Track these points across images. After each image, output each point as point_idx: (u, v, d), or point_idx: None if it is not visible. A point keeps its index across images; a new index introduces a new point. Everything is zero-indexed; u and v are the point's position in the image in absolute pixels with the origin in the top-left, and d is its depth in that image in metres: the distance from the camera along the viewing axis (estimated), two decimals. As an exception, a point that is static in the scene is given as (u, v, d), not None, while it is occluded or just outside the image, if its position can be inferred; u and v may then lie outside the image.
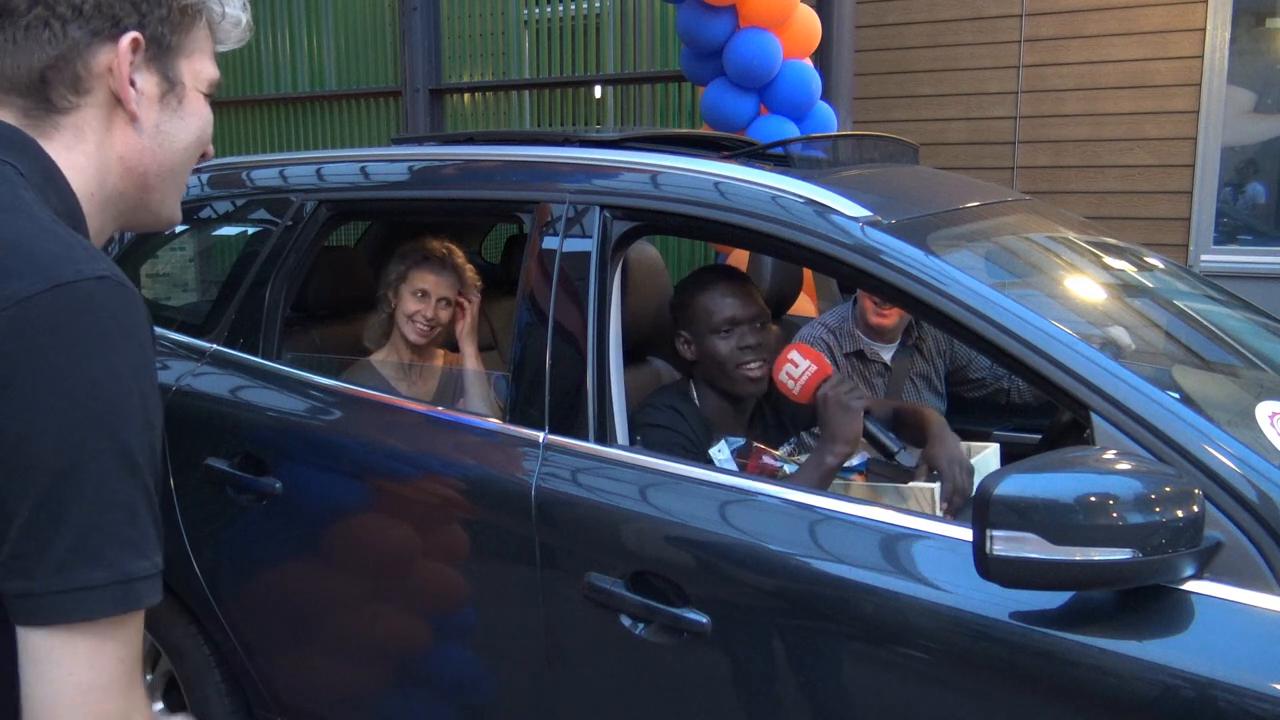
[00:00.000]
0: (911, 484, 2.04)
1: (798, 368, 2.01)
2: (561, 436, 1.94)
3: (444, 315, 2.64)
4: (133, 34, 0.94)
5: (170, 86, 0.99)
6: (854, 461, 2.37)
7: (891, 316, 2.85)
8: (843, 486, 2.09)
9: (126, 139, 0.97)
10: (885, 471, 2.31)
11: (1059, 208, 2.61)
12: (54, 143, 0.95)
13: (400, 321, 2.62)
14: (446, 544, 2.05)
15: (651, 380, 2.46)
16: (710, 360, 2.19)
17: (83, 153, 0.96)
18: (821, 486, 1.91)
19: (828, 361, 2.04)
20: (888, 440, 1.98)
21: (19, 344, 0.80)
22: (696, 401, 2.22)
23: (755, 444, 2.14)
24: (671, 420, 2.13)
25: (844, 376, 2.04)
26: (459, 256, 2.70)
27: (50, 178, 0.93)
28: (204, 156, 1.06)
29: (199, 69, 1.01)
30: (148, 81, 0.97)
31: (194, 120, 1.01)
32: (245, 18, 1.05)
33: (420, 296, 2.61)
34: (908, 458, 1.95)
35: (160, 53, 0.97)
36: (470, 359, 2.63)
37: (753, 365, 2.16)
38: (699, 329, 2.20)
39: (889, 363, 2.93)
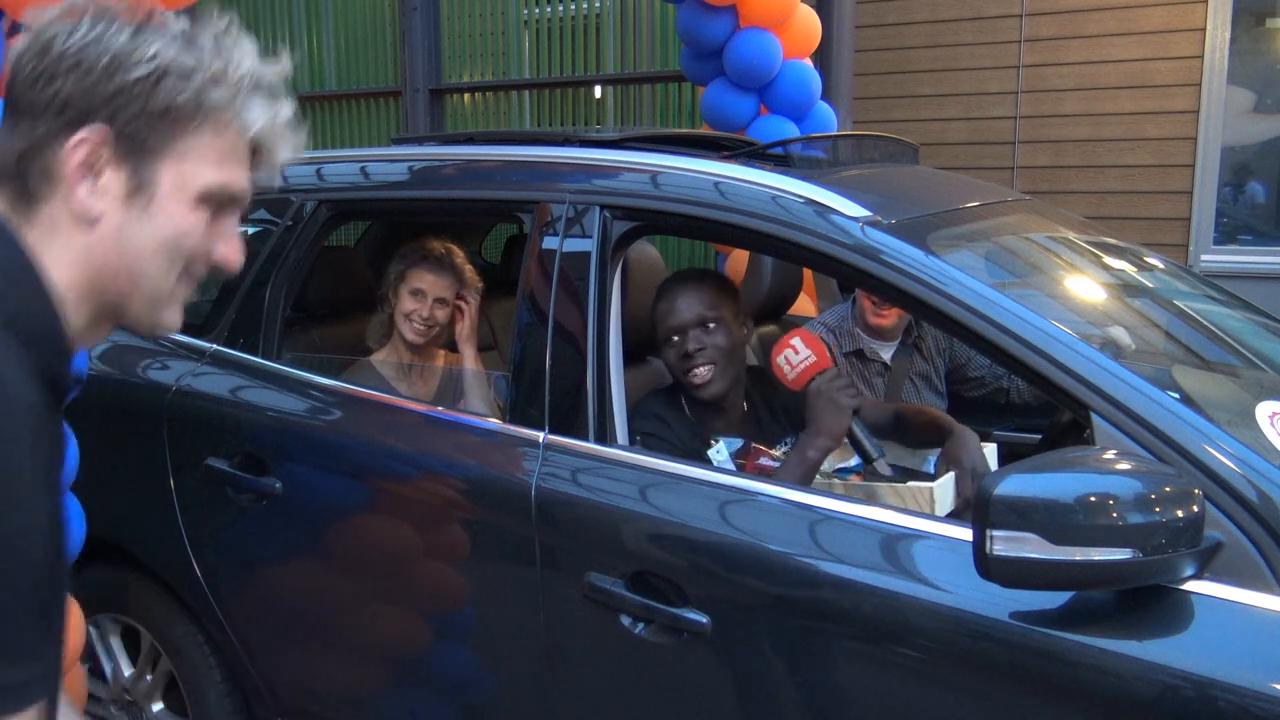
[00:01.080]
0: (910, 483, 2.04)
1: (797, 354, 1.99)
2: (561, 436, 1.94)
3: (440, 315, 2.63)
4: (83, 133, 0.91)
5: (139, 187, 0.94)
6: (851, 462, 2.37)
7: (890, 317, 2.85)
8: (840, 486, 2.09)
9: (90, 235, 0.94)
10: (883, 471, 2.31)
11: (1059, 208, 2.61)
12: (35, 230, 0.93)
13: (398, 321, 2.62)
14: (446, 544, 2.05)
15: (651, 380, 2.45)
16: (669, 369, 2.21)
17: (60, 244, 0.93)
18: (804, 481, 1.92)
19: (829, 355, 2.02)
20: (869, 446, 1.97)
21: None
22: (685, 405, 2.22)
23: (753, 444, 2.13)
24: (657, 428, 2.13)
25: (840, 373, 2.01)
26: (458, 256, 2.70)
27: (8, 269, 0.90)
28: (189, 272, 0.99)
29: (189, 174, 0.95)
30: (114, 179, 0.93)
31: (161, 227, 0.95)
32: (282, 119, 0.99)
33: (416, 295, 2.60)
34: (887, 466, 1.95)
35: (134, 150, 0.93)
36: (470, 361, 2.63)
37: (697, 370, 2.14)
38: (657, 341, 2.22)
39: (889, 362, 2.93)
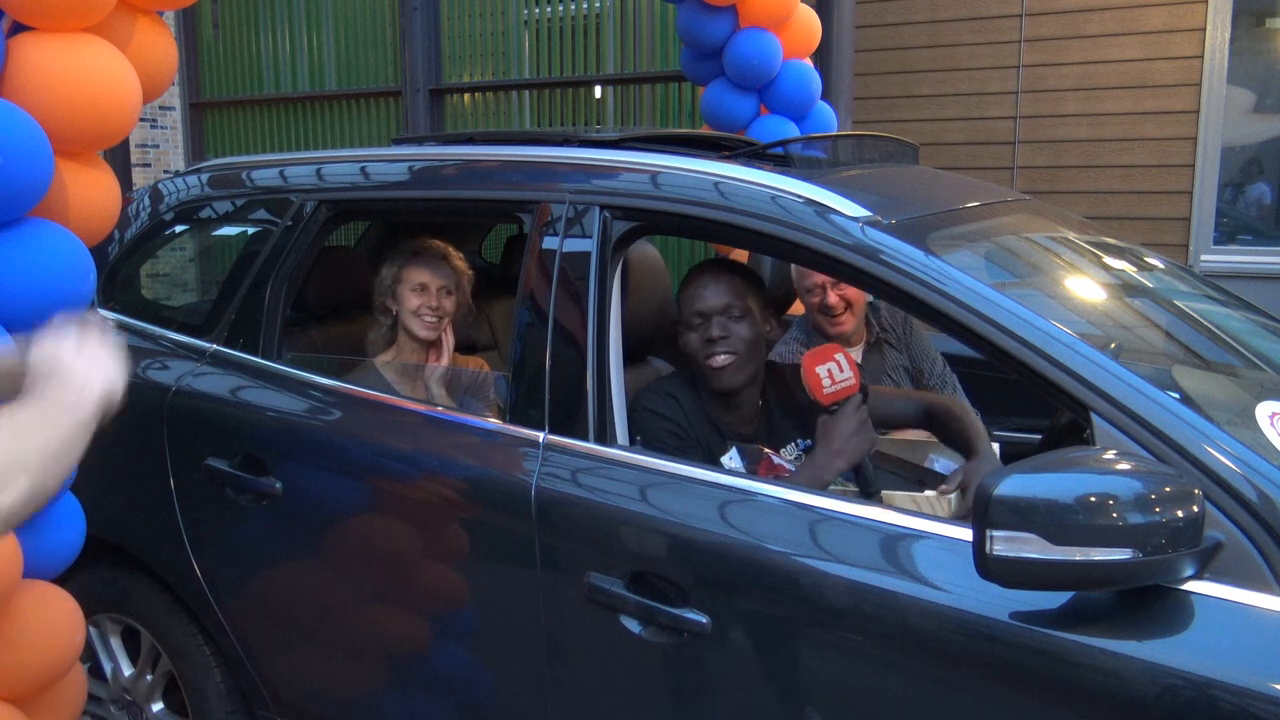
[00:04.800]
0: (926, 493, 2.03)
1: (841, 371, 1.96)
2: (561, 436, 1.93)
3: (448, 304, 2.62)
4: None
5: None
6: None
7: (846, 323, 2.82)
8: (854, 491, 2.08)
9: None
10: (891, 468, 2.31)
11: (1059, 208, 2.61)
12: None
13: (407, 321, 2.59)
14: (446, 544, 2.05)
15: (651, 380, 2.45)
16: (687, 353, 2.18)
17: None
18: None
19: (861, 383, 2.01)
20: (872, 478, 1.99)
21: None
22: (700, 393, 2.19)
23: (766, 451, 2.13)
24: (667, 407, 2.12)
25: (864, 404, 2.00)
26: (452, 251, 2.70)
27: None
28: None
29: None
30: None
31: None
32: None
33: (421, 291, 2.59)
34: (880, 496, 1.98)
35: None
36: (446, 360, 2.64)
37: (716, 356, 2.11)
38: (681, 321, 2.19)
39: (859, 363, 2.93)
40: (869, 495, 1.98)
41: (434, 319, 2.59)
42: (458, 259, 2.69)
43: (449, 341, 2.64)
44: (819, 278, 2.74)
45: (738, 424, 2.19)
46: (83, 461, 1.95)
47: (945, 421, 2.43)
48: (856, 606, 1.61)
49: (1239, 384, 1.94)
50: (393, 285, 2.61)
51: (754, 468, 2.10)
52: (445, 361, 2.62)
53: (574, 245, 2.01)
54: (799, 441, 2.27)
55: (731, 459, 2.09)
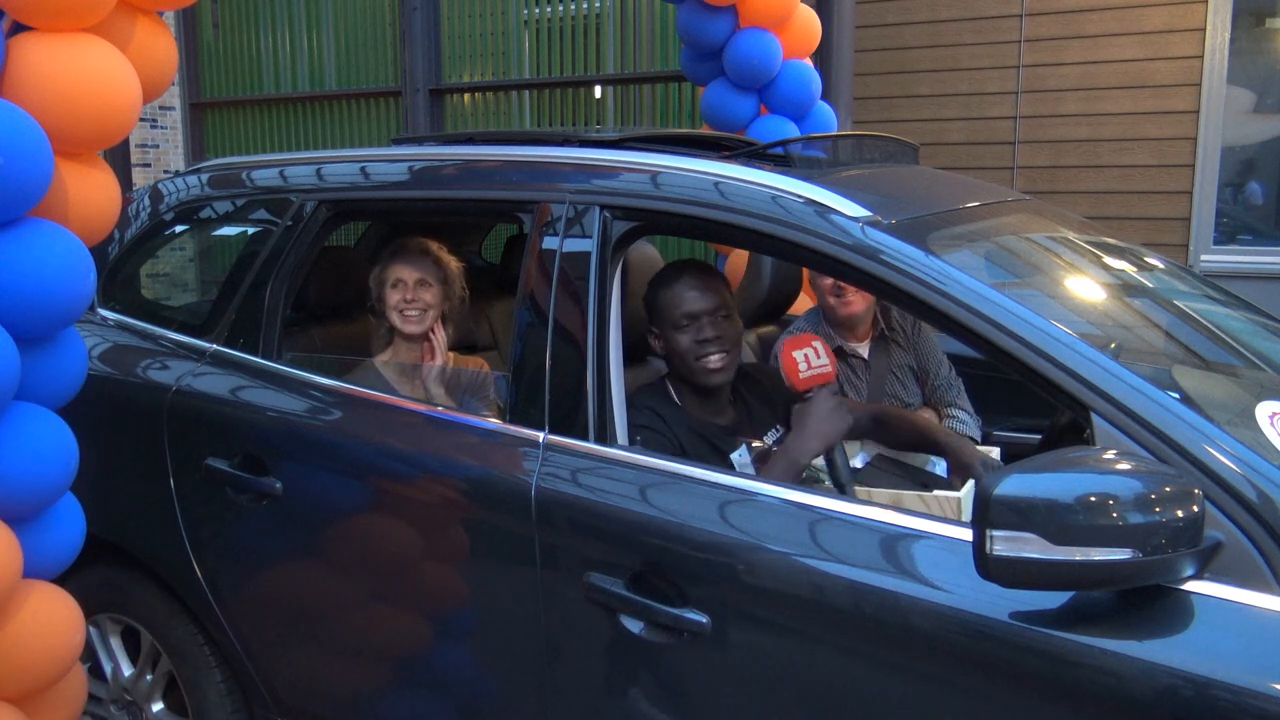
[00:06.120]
0: (936, 493, 2.04)
1: (818, 358, 2.06)
2: (561, 436, 1.94)
3: (428, 297, 2.62)
4: None
5: None
6: (856, 463, 2.37)
7: (857, 302, 2.80)
8: (864, 493, 2.08)
9: None
10: (894, 470, 2.33)
11: (1059, 208, 2.61)
12: None
13: (393, 320, 2.61)
14: (446, 544, 2.05)
15: (651, 381, 2.45)
16: (674, 354, 2.20)
17: None
18: (792, 481, 1.95)
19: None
20: (845, 475, 2.04)
21: None
22: (675, 398, 2.22)
23: (773, 449, 2.14)
24: (650, 420, 2.13)
25: (839, 392, 2.08)
26: (431, 245, 2.70)
27: None
28: None
29: None
30: None
31: None
32: None
33: (398, 286, 2.60)
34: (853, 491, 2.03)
35: None
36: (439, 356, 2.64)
37: (712, 357, 2.16)
38: (663, 324, 2.21)
39: (866, 358, 2.93)
40: (841, 488, 2.01)
41: (415, 313, 2.59)
42: (440, 252, 2.69)
43: (440, 338, 2.64)
44: None
45: (716, 419, 2.22)
46: (83, 461, 1.95)
47: (890, 423, 2.46)
48: (857, 606, 1.61)
49: (1239, 384, 1.94)
50: (378, 287, 2.63)
51: (760, 464, 2.11)
52: (439, 359, 2.62)
53: (574, 245, 2.01)
54: (778, 428, 2.31)
55: (741, 455, 2.10)
